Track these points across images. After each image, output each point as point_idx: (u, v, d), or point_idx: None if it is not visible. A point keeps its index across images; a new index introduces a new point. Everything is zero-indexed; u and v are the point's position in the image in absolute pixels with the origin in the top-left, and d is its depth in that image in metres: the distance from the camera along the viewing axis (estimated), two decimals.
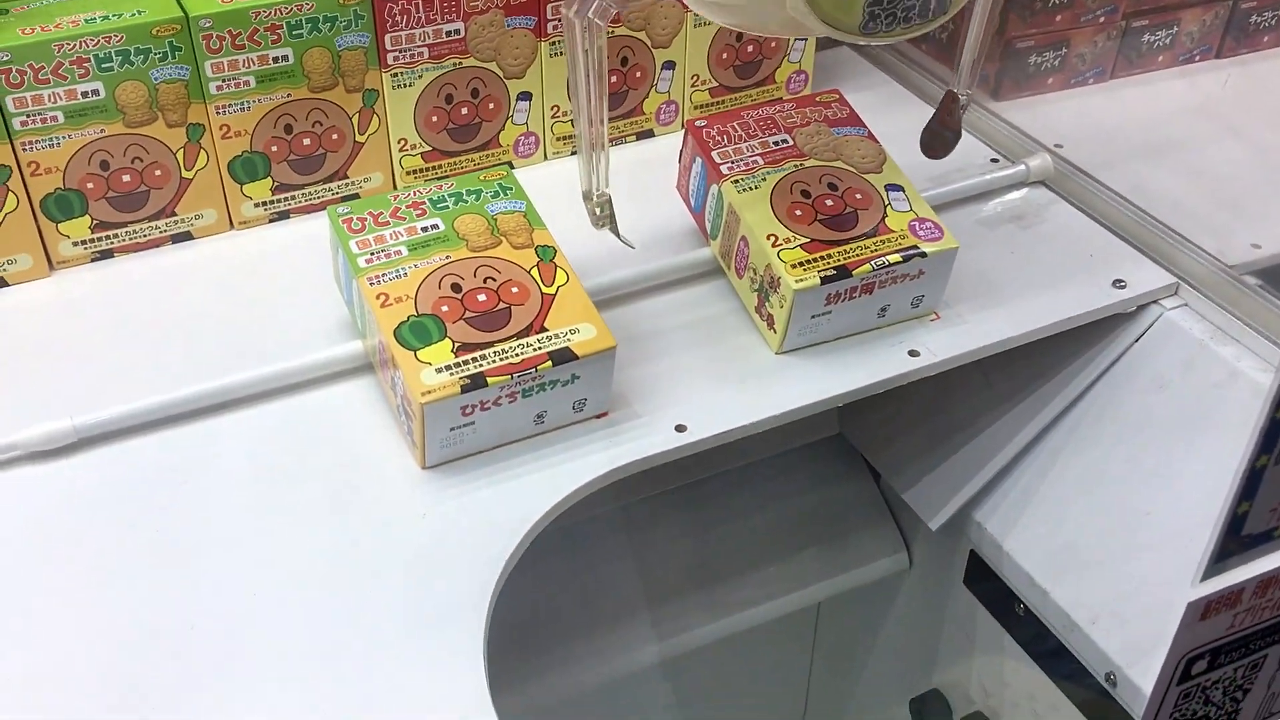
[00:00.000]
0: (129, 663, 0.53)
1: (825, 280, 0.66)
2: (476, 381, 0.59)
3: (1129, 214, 0.79)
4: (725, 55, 0.86)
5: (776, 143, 0.74)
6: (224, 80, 0.72)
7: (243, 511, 0.60)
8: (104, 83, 0.69)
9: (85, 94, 0.69)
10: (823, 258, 0.67)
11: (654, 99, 0.86)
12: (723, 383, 0.67)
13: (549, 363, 0.60)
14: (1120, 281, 0.75)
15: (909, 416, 0.88)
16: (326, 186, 0.79)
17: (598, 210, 0.66)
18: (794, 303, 0.66)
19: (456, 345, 0.60)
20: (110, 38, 0.68)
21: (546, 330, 0.61)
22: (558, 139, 0.84)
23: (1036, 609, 0.76)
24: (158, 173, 0.73)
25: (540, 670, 0.84)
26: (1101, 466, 0.76)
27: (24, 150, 0.69)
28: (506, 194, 0.68)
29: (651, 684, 0.91)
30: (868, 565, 0.94)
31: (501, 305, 0.62)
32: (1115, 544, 0.73)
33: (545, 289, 0.63)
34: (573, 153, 0.85)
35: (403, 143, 0.79)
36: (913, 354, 0.69)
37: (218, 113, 0.73)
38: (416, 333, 0.61)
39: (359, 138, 0.78)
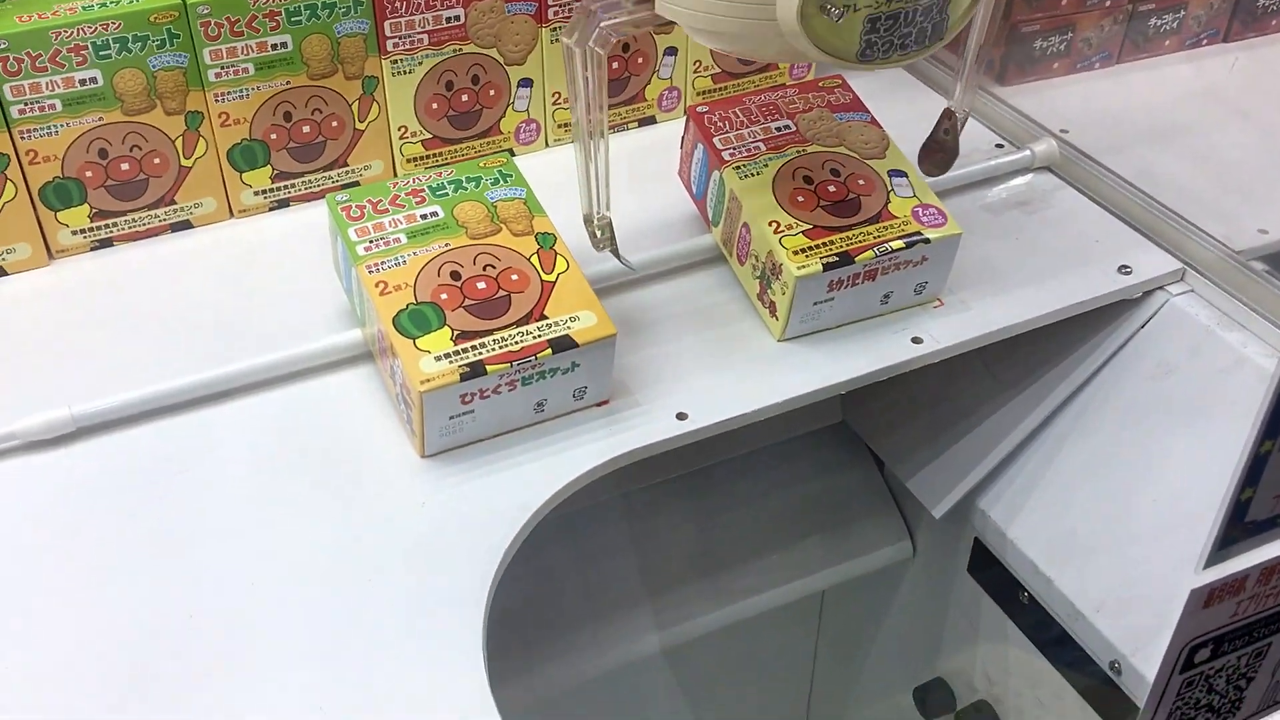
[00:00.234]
0: (127, 653, 0.53)
1: (827, 267, 0.66)
2: (476, 370, 0.59)
3: (1135, 199, 0.78)
4: None
5: (779, 128, 0.73)
6: (222, 68, 0.71)
7: (242, 501, 0.60)
8: (102, 70, 0.69)
9: (83, 82, 0.68)
10: (825, 244, 0.67)
11: (656, 85, 0.85)
12: (724, 370, 0.67)
13: (549, 350, 0.60)
14: (1126, 267, 0.74)
15: (913, 404, 0.87)
16: (326, 174, 0.78)
17: (598, 233, 0.67)
18: (796, 289, 0.66)
19: (456, 333, 0.60)
20: (108, 25, 0.67)
21: (546, 318, 0.61)
22: (559, 126, 0.84)
23: (1041, 597, 0.76)
24: (156, 161, 0.73)
25: (543, 659, 0.84)
26: (1106, 453, 0.75)
27: (22, 139, 0.69)
28: (506, 181, 0.67)
29: (655, 673, 0.91)
30: (871, 553, 0.93)
31: (501, 293, 0.62)
32: (1120, 532, 0.73)
33: (545, 276, 0.63)
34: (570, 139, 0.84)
35: (403, 130, 0.79)
36: (916, 341, 0.69)
37: (216, 100, 0.72)
38: (415, 321, 0.60)
39: (359, 125, 0.77)
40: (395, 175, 0.80)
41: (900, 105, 0.81)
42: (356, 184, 0.79)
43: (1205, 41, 0.98)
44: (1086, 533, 0.74)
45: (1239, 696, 0.41)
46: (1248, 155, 0.87)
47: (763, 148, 0.71)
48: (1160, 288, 0.75)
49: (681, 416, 0.64)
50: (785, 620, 0.94)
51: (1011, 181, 0.82)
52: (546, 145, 0.84)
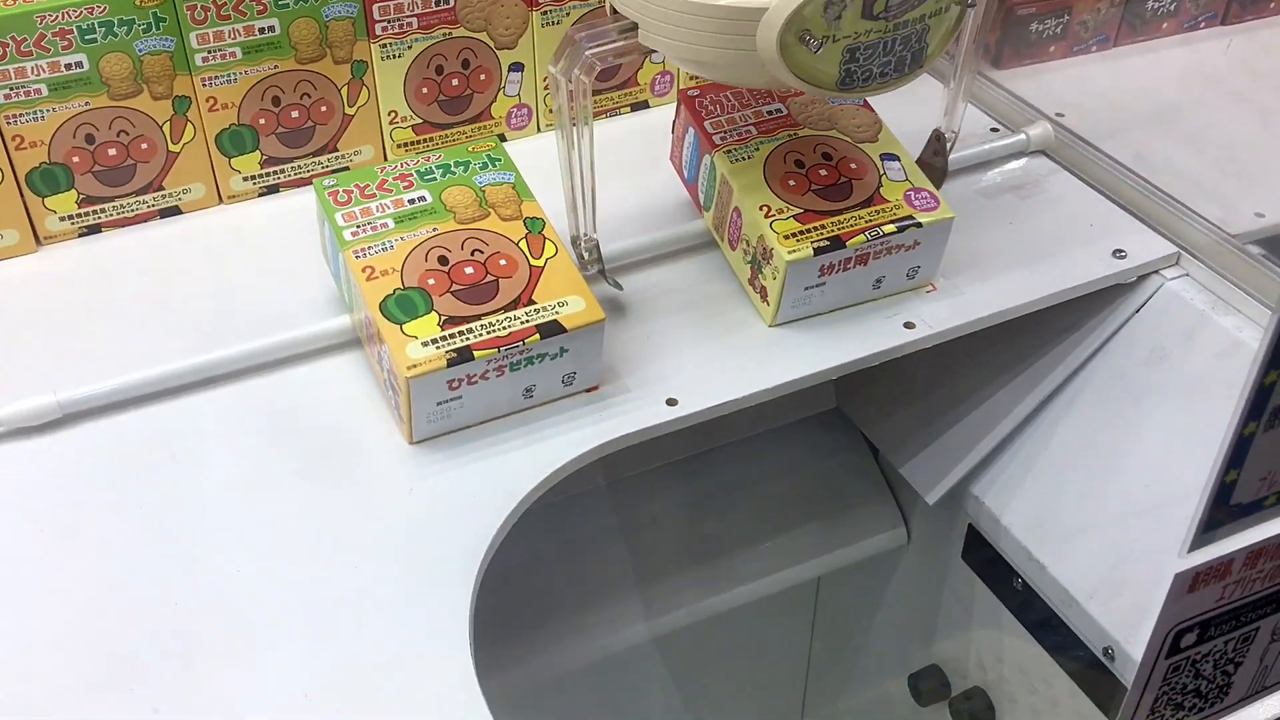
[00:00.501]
0: (113, 640, 0.53)
1: (819, 251, 0.66)
2: (463, 355, 0.58)
3: (1130, 183, 0.78)
4: None
5: (770, 112, 0.72)
6: (210, 51, 0.71)
7: (229, 488, 0.59)
8: (88, 55, 0.68)
9: (69, 66, 0.68)
10: (816, 228, 0.66)
11: (649, 69, 0.85)
12: (715, 356, 0.67)
13: (537, 336, 0.59)
14: (1120, 251, 0.74)
15: (907, 390, 0.87)
16: (316, 160, 0.78)
17: (585, 254, 0.67)
18: (787, 274, 0.66)
19: (443, 318, 0.59)
20: (93, 8, 0.67)
21: (535, 303, 0.61)
22: (550, 111, 0.83)
23: (1034, 583, 0.76)
24: (144, 146, 0.72)
25: (534, 647, 0.84)
26: (1101, 439, 0.75)
27: (8, 124, 0.68)
28: (495, 165, 0.67)
29: (647, 661, 0.90)
30: (866, 540, 0.93)
31: (489, 278, 0.61)
32: (1114, 517, 0.72)
33: (534, 261, 0.62)
34: None
35: (393, 115, 0.78)
36: (908, 326, 0.68)
37: (204, 85, 0.72)
38: (403, 306, 0.60)
39: (348, 110, 0.77)
40: (385, 160, 0.80)
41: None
42: (346, 169, 0.79)
43: (1203, 24, 0.97)
44: (1080, 519, 0.74)
45: (1226, 682, 0.41)
46: (1244, 138, 0.86)
47: (754, 131, 0.71)
48: (1155, 272, 0.74)
49: (672, 402, 0.64)
50: (779, 607, 0.94)
51: (1006, 165, 0.82)
52: (539, 130, 0.84)
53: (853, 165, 0.70)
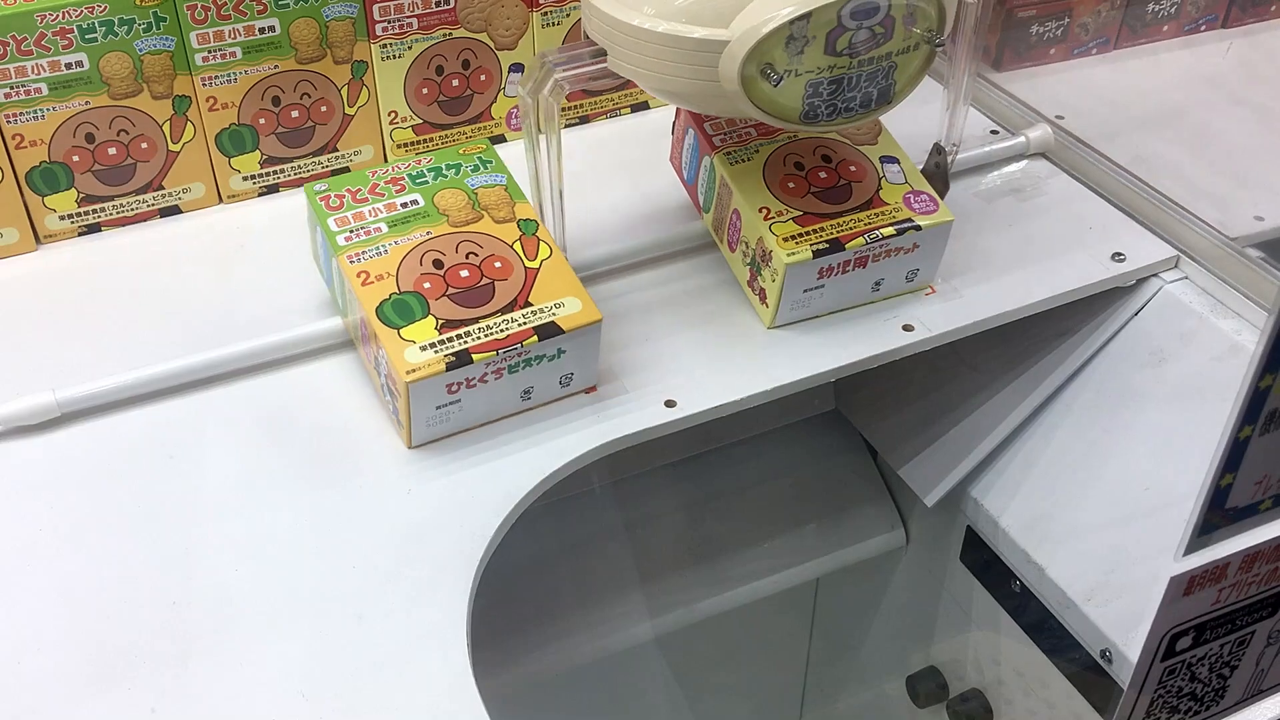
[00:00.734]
0: (111, 638, 0.53)
1: (817, 254, 0.66)
2: (461, 358, 0.58)
3: (1130, 186, 0.78)
4: None
5: None
6: (210, 51, 0.71)
7: (227, 487, 0.59)
8: (88, 54, 0.68)
9: (69, 65, 0.68)
10: (815, 231, 0.66)
11: None
12: (714, 358, 0.67)
13: (534, 338, 0.59)
14: (1119, 254, 0.74)
15: (905, 392, 0.87)
16: (316, 159, 0.78)
17: None
18: (786, 276, 0.66)
19: (440, 322, 0.59)
20: (94, 8, 0.67)
21: (531, 305, 0.61)
22: None
23: (1032, 586, 0.76)
24: (144, 145, 0.73)
25: (534, 646, 0.84)
26: (1099, 441, 0.75)
27: (8, 123, 0.68)
28: (486, 168, 0.67)
29: (646, 661, 0.90)
30: (864, 541, 0.93)
31: (485, 280, 0.61)
32: (1112, 520, 0.72)
33: (528, 263, 0.62)
34: (565, 125, 0.84)
35: (393, 115, 0.78)
36: (907, 328, 0.68)
37: (204, 84, 0.72)
38: (399, 310, 0.60)
39: (348, 110, 0.77)
40: (385, 161, 0.80)
41: None
42: (346, 169, 0.79)
43: (1204, 27, 0.97)
44: (1078, 521, 0.74)
45: (1222, 685, 0.41)
46: (1244, 142, 0.86)
47: (754, 133, 0.71)
48: (1154, 275, 0.74)
49: (670, 404, 0.64)
50: (778, 608, 0.94)
51: (1006, 168, 0.82)
52: None
53: (852, 168, 0.70)
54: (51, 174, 0.71)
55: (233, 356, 0.64)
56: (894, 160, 0.71)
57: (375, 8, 0.74)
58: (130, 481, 0.59)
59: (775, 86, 0.58)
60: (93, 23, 0.67)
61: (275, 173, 0.77)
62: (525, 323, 0.60)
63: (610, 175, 0.80)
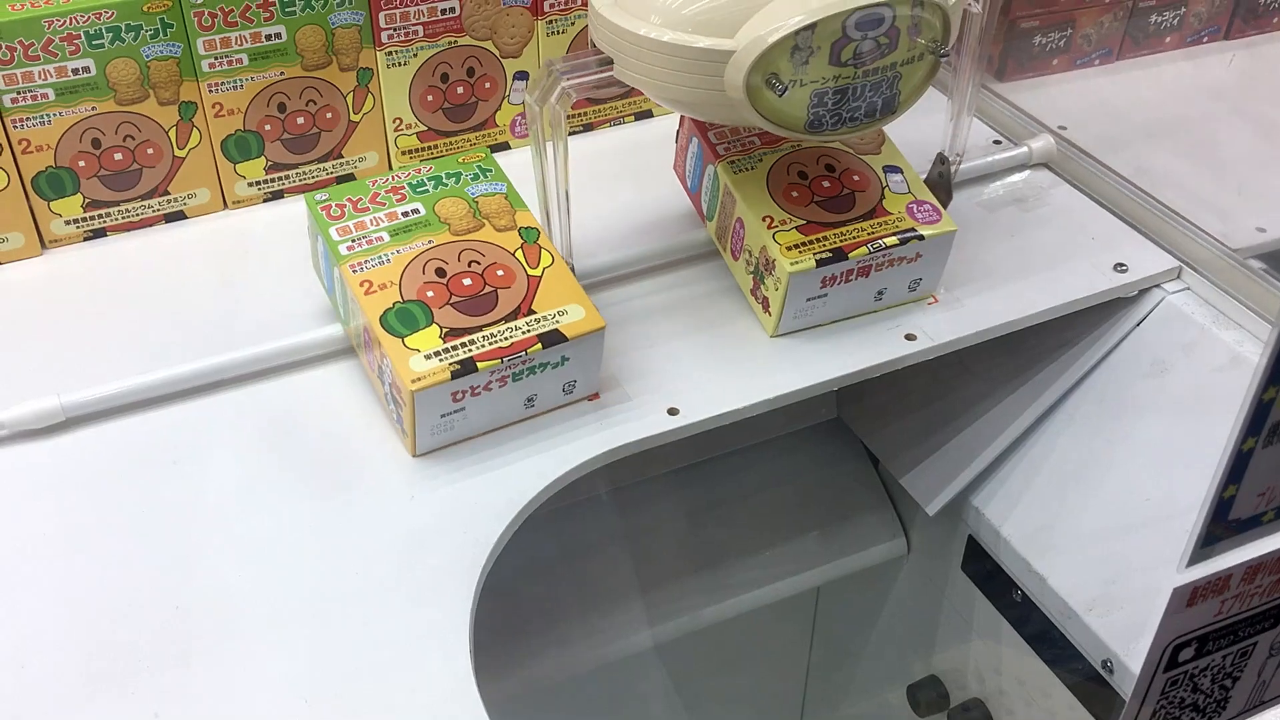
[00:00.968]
0: (115, 642, 0.53)
1: (821, 263, 0.66)
2: (466, 367, 0.58)
3: (1132, 197, 0.78)
4: None
5: None
6: (216, 58, 0.71)
7: (230, 493, 0.60)
8: (95, 60, 0.68)
9: (76, 71, 0.68)
10: (819, 240, 0.66)
11: None
12: (717, 366, 0.67)
13: (538, 345, 0.60)
14: (1122, 265, 0.74)
15: (907, 401, 0.87)
16: (321, 166, 0.78)
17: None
18: (789, 285, 0.66)
19: (444, 330, 0.60)
20: (101, 14, 0.67)
21: (535, 312, 0.61)
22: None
23: (1034, 595, 0.76)
24: (150, 151, 0.73)
25: (536, 653, 0.84)
26: (1101, 452, 0.75)
27: (15, 128, 0.69)
28: (486, 176, 0.67)
29: (648, 668, 0.90)
30: (866, 550, 0.93)
31: (488, 289, 0.61)
32: (1114, 531, 0.72)
33: (531, 271, 0.62)
34: (570, 132, 0.84)
35: (398, 122, 0.79)
36: (910, 338, 0.69)
37: (210, 90, 0.72)
38: (403, 319, 0.60)
39: (353, 117, 0.77)
40: (390, 168, 0.80)
41: None
42: (351, 176, 0.79)
43: (1206, 39, 0.97)
44: (1080, 531, 0.74)
45: (1224, 696, 0.41)
46: (1246, 153, 0.86)
47: (757, 142, 0.71)
48: (1156, 286, 0.74)
49: (673, 412, 0.64)
50: (779, 616, 0.94)
51: (1008, 178, 0.82)
52: None
53: (855, 177, 0.70)
54: (57, 179, 0.71)
55: (237, 362, 0.64)
56: (897, 170, 0.71)
57: (381, 15, 0.74)
58: (134, 486, 0.59)
59: (780, 96, 0.58)
60: (100, 28, 0.68)
61: (280, 179, 0.77)
62: (529, 330, 0.60)
63: (614, 183, 0.80)
